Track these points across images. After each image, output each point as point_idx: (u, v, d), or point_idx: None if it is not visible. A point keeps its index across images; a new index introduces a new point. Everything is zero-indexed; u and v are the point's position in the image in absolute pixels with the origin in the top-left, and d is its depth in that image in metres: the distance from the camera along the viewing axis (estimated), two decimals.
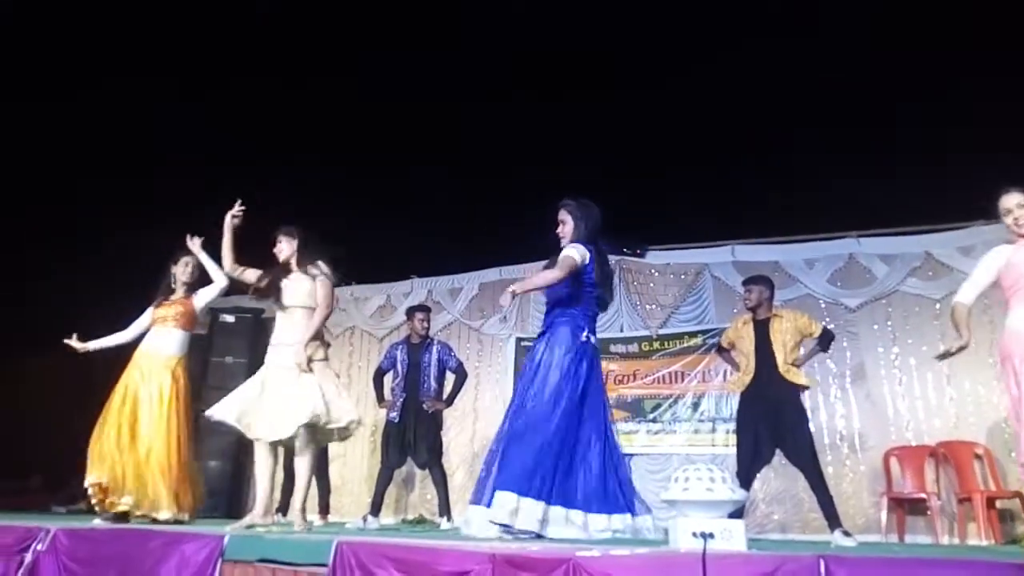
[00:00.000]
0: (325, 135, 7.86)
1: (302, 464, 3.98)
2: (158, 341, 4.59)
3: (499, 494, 3.35)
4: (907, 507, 5.80)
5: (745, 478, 4.53)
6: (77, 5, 7.01)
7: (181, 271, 4.75)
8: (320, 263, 4.15)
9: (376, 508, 5.43)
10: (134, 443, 4.30)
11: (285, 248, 4.19)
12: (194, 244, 4.63)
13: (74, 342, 4.67)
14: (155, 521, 4.14)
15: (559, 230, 3.92)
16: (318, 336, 4.09)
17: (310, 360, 3.94)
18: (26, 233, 7.57)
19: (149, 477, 4.25)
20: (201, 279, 4.76)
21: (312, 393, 3.88)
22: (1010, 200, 3.39)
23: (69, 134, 7.43)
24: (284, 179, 7.73)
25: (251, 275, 4.29)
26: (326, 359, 4.10)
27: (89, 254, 7.72)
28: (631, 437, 6.87)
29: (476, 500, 3.53)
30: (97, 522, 4.07)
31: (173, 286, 4.75)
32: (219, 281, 4.61)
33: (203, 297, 4.74)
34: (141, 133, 7.55)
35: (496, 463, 3.52)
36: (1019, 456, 3.17)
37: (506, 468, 3.42)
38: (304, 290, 4.08)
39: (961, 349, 3.50)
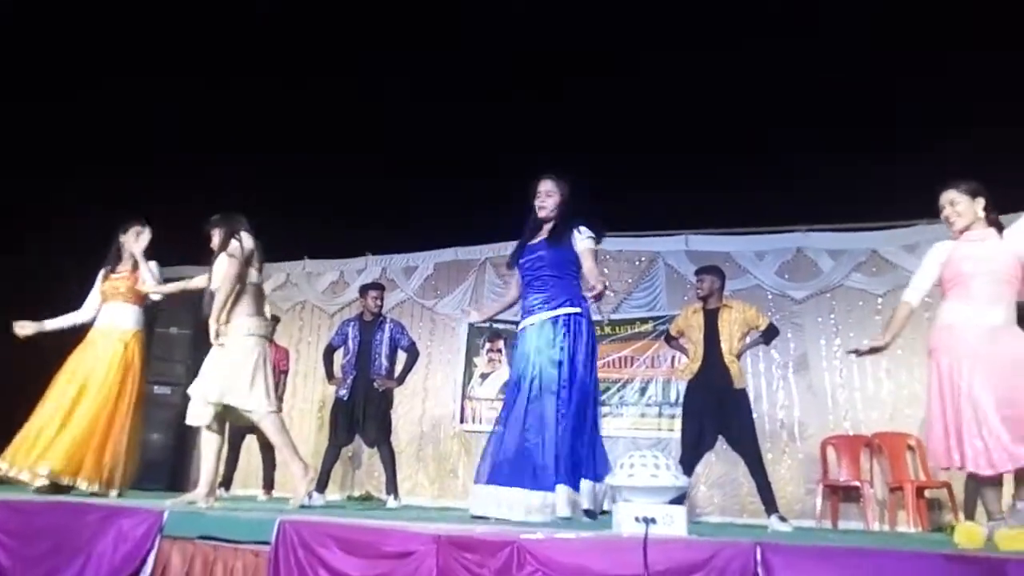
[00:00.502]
0: (323, 135, 7.72)
1: (205, 439, 3.86)
2: (111, 316, 4.40)
3: (561, 488, 3.34)
4: (841, 494, 6.00)
5: (688, 463, 4.64)
6: (77, 5, 6.79)
7: (132, 240, 4.49)
8: (233, 239, 3.90)
9: (322, 485, 5.37)
10: (70, 417, 4.10)
11: (215, 238, 4.03)
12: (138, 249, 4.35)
13: (23, 327, 4.39)
14: (64, 491, 3.97)
15: (540, 201, 3.81)
16: (251, 310, 3.91)
17: (218, 334, 3.75)
18: (26, 233, 7.30)
19: (77, 447, 4.06)
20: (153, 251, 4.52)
21: (206, 372, 3.77)
22: (944, 198, 3.33)
23: (69, 134, 7.20)
24: (278, 179, 7.60)
25: (199, 281, 4.16)
26: (255, 333, 3.87)
27: (89, 254, 7.46)
28: None
29: (536, 486, 3.36)
30: (34, 491, 3.92)
31: (122, 255, 4.53)
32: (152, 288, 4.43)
33: (144, 286, 4.46)
34: (141, 133, 7.36)
35: (557, 451, 3.41)
36: (927, 442, 3.28)
37: (573, 462, 3.43)
38: (218, 269, 3.94)
39: (875, 351, 3.46)
